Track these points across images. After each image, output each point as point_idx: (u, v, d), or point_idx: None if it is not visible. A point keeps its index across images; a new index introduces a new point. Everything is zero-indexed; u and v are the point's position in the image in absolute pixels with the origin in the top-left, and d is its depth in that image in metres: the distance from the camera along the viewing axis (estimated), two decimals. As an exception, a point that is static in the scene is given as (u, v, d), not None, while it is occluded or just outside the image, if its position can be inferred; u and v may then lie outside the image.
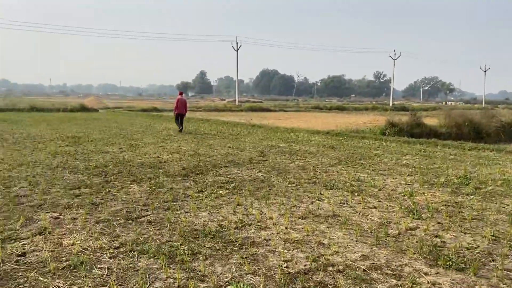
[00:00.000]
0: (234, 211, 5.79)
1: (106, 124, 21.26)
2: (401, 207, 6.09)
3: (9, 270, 3.81)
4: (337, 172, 8.90)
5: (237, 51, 56.05)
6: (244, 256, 4.21)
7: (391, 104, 68.30)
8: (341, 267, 3.94)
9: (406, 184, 7.82)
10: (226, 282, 3.64)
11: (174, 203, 6.14)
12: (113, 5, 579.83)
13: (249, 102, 66.99)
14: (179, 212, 5.72)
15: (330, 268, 3.93)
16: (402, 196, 6.86)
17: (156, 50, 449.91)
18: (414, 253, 4.31)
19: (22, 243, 4.47)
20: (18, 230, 4.86)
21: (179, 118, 17.73)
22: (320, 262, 4.06)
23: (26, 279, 3.63)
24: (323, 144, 13.82)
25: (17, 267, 3.87)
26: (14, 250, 4.24)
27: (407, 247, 4.50)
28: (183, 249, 4.32)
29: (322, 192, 6.99)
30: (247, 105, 49.60)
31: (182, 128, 17.63)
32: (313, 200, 6.50)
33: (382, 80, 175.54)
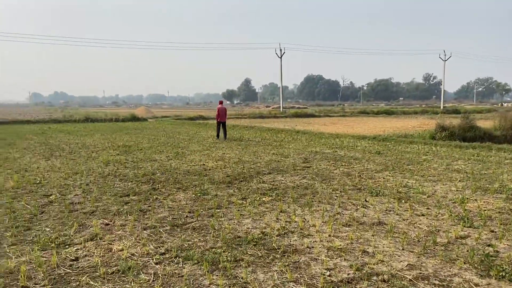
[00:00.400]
0: (277, 218, 5.80)
1: (154, 133, 21.97)
2: (451, 215, 5.85)
3: (63, 274, 4.03)
4: (384, 178, 8.68)
5: (280, 57, 56.11)
6: (286, 263, 4.20)
7: (442, 107, 65.68)
8: (386, 277, 3.84)
9: (457, 190, 7.49)
10: (268, 289, 3.65)
11: (218, 210, 6.24)
12: (158, 18, 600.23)
13: (293, 108, 66.87)
14: (222, 219, 5.81)
15: (375, 278, 3.84)
16: (453, 203, 6.58)
17: (202, 60, 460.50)
18: (464, 263, 4.13)
19: (75, 248, 4.71)
20: (72, 236, 5.14)
21: (221, 125, 18.49)
22: (364, 271, 3.98)
23: (78, 283, 3.83)
24: (369, 150, 13.53)
25: (70, 271, 4.09)
26: (68, 255, 4.49)
27: (457, 256, 4.32)
28: (226, 256, 4.38)
29: (367, 199, 6.85)
30: (291, 112, 49.44)
31: (226, 135, 18.44)
32: (358, 207, 6.38)
33: (432, 82, 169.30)
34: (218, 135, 18.39)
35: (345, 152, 13.08)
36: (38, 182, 8.48)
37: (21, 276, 3.87)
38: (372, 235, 5.05)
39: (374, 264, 4.16)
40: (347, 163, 10.78)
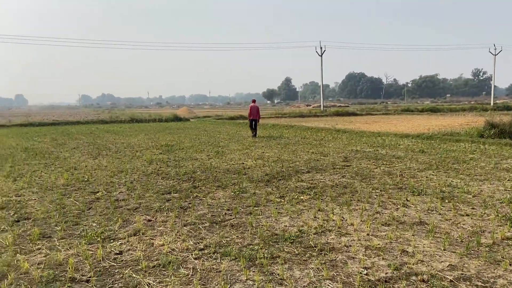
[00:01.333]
0: (315, 217, 5.79)
1: (196, 132, 22.41)
2: (497, 215, 5.61)
3: (108, 267, 4.23)
4: (426, 177, 8.43)
5: (321, 56, 55.56)
6: (323, 261, 4.20)
7: (492, 103, 62.62)
8: (425, 277, 3.75)
9: (505, 190, 7.16)
10: (304, 286, 3.67)
11: (256, 208, 6.31)
12: (199, 19, 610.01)
13: (334, 107, 66.05)
14: (260, 216, 5.87)
15: (414, 278, 3.77)
16: (500, 203, 6.31)
17: (243, 59, 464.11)
18: (510, 265, 3.96)
19: (120, 243, 4.93)
20: (116, 231, 5.37)
21: (253, 123, 19.12)
22: (402, 271, 3.91)
23: (121, 275, 4.01)
24: (412, 148, 13.17)
25: (114, 264, 4.29)
26: (112, 249, 4.70)
27: (502, 257, 4.15)
28: (263, 253, 4.43)
29: (408, 198, 6.69)
30: (332, 110, 48.84)
31: (256, 133, 19.07)
32: (398, 206, 6.25)
33: (481, 78, 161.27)
34: (254, 134, 18.92)
35: (387, 150, 12.80)
36: (86, 180, 8.89)
37: (69, 268, 4.10)
38: (412, 235, 4.94)
39: (413, 264, 4.07)
40: (389, 162, 10.55)
